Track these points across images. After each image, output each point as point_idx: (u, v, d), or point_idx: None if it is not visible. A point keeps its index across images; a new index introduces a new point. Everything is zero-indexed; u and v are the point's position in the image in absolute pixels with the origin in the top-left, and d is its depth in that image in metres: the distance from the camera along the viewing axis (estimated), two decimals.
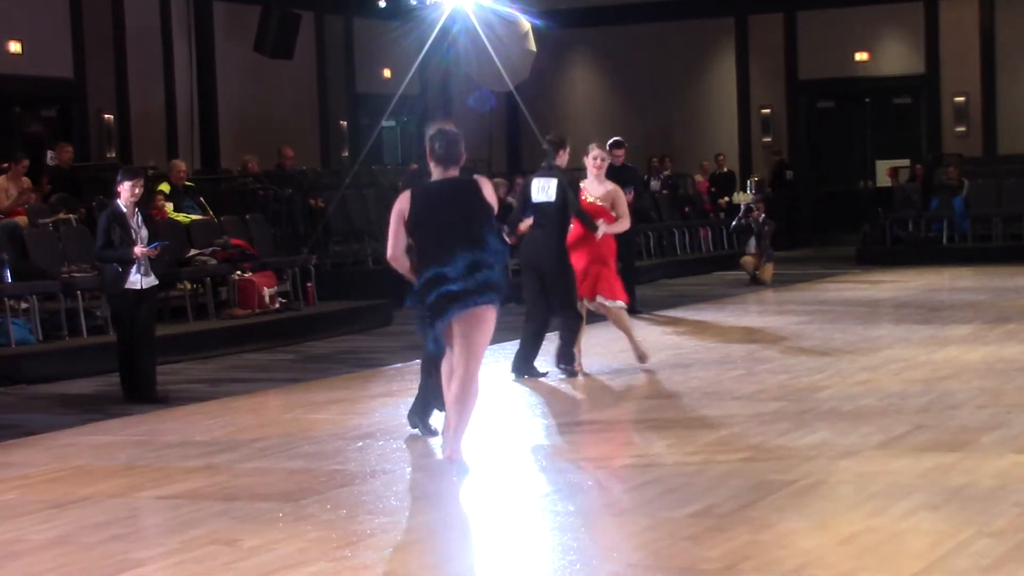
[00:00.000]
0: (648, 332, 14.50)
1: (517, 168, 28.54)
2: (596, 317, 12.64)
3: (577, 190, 12.15)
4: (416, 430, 9.59)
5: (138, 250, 11.91)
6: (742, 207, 22.78)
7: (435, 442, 9.30)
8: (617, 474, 8.17)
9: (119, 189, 11.85)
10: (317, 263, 18.23)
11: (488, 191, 8.43)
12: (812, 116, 29.92)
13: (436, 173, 8.48)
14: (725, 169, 28.46)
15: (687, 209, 26.63)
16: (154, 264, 11.93)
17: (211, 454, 9.35)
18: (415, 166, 23.09)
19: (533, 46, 23.15)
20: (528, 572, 6.42)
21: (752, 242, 21.70)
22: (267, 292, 16.69)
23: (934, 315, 15.95)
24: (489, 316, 8.29)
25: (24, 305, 14.53)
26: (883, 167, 28.60)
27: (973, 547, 6.34)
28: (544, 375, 12.06)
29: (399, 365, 13.47)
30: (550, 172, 11.89)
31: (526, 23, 23.11)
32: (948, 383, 11.03)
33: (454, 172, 8.47)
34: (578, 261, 12.04)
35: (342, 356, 14.93)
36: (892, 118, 29.32)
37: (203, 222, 17.84)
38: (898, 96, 29.28)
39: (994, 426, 9.19)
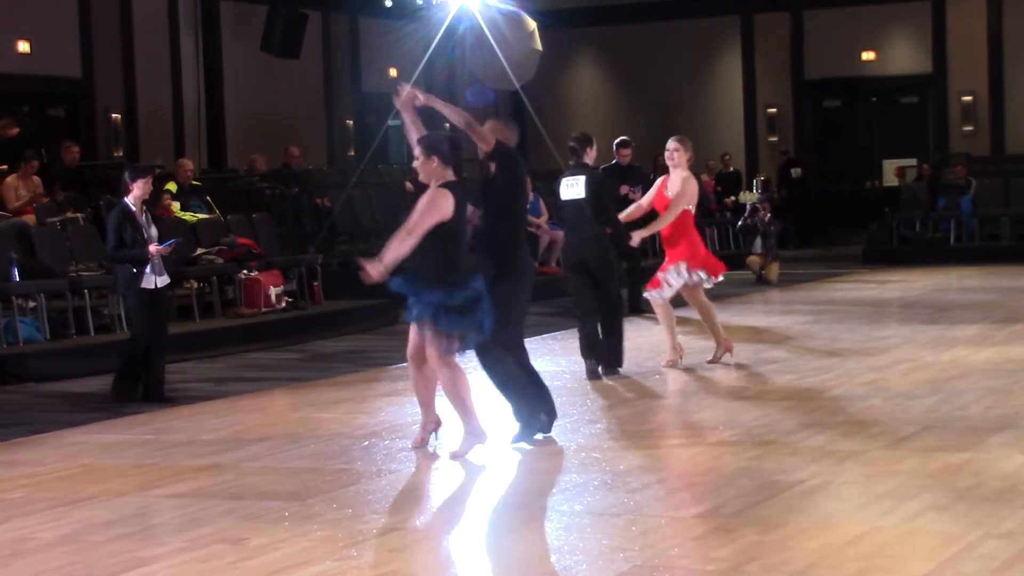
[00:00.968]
0: (653, 332, 14.48)
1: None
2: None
3: (608, 186, 12.38)
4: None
5: (153, 249, 11.89)
6: (748, 207, 22.78)
7: (443, 443, 9.30)
8: (623, 474, 8.17)
9: (129, 187, 11.73)
10: (323, 262, 18.25)
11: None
12: (818, 115, 29.91)
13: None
14: (731, 168, 28.46)
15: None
16: (166, 262, 11.91)
17: (217, 453, 9.36)
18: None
19: (539, 45, 23.12)
20: (534, 572, 6.42)
21: (758, 242, 21.69)
22: (273, 291, 16.70)
23: (941, 315, 15.94)
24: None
25: (32, 304, 14.56)
26: (890, 166, 28.60)
27: (981, 548, 6.33)
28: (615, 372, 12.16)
29: (405, 364, 13.38)
30: (577, 170, 11.99)
31: (531, 22, 23.10)
32: (956, 383, 11.02)
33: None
34: (676, 255, 12.27)
35: (348, 355, 14.94)
36: (899, 117, 29.30)
37: (209, 221, 17.86)
38: (905, 95, 29.28)
39: (1002, 427, 9.18)
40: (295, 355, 15.17)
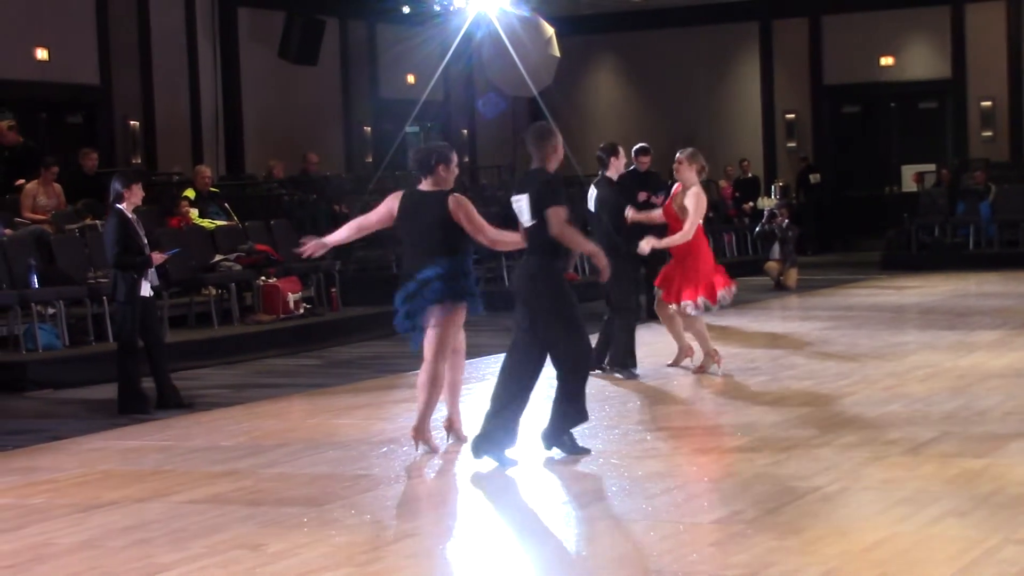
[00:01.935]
0: (671, 338, 14.48)
1: None
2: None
3: (615, 199, 12.49)
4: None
5: (156, 255, 11.90)
6: (766, 212, 22.74)
7: (465, 447, 9.31)
8: (641, 480, 8.16)
9: (125, 194, 11.62)
10: (341, 268, 18.26)
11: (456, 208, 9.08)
12: (837, 121, 29.86)
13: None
14: (749, 174, 28.41)
15: (711, 214, 26.56)
16: (158, 271, 11.89)
17: (236, 459, 9.38)
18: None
19: (557, 51, 23.14)
20: None
21: (776, 247, 21.65)
22: (291, 297, 16.72)
23: (960, 321, 15.90)
24: (434, 313, 9.09)
25: (51, 310, 14.60)
26: (909, 172, 28.52)
27: (1000, 554, 6.31)
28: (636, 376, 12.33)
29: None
30: (596, 182, 12.54)
31: (549, 28, 23.11)
32: (974, 389, 10.99)
33: (427, 184, 9.31)
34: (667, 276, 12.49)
35: (366, 361, 14.95)
36: (918, 123, 29.23)
37: (228, 228, 17.89)
38: (924, 101, 29.20)
39: (1021, 432, 9.15)
40: (313, 361, 15.18)
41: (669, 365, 12.81)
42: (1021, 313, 16.38)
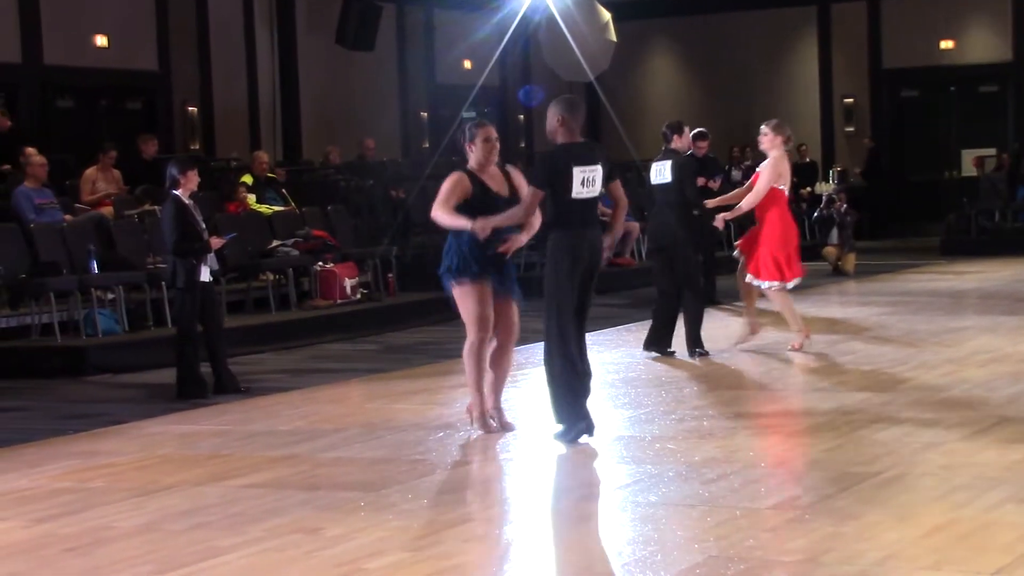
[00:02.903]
0: (729, 323, 14.44)
1: None
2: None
3: (692, 172, 12.78)
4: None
5: (215, 240, 11.96)
6: (824, 198, 22.61)
7: (517, 433, 9.32)
8: (698, 465, 8.15)
9: (181, 180, 11.66)
10: (398, 254, 18.31)
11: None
12: (896, 105, 29.64)
13: None
14: (807, 159, 28.25)
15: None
16: (224, 258, 11.91)
17: (294, 444, 9.42)
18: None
19: (613, 36, 23.08)
20: (609, 563, 6.42)
21: (834, 232, 21.54)
22: (348, 283, 16.78)
23: (1021, 306, 15.76)
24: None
25: (111, 296, 14.72)
26: (969, 156, 28.28)
27: None
28: (672, 352, 12.57)
29: None
30: (665, 155, 12.64)
31: (606, 13, 23.06)
32: None
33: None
34: (749, 242, 12.56)
35: (423, 347, 14.99)
36: (978, 107, 28.97)
37: (285, 213, 17.97)
38: (984, 84, 28.93)
39: None
40: (370, 346, 15.23)
41: (737, 345, 12.73)
42: None
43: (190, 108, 22.42)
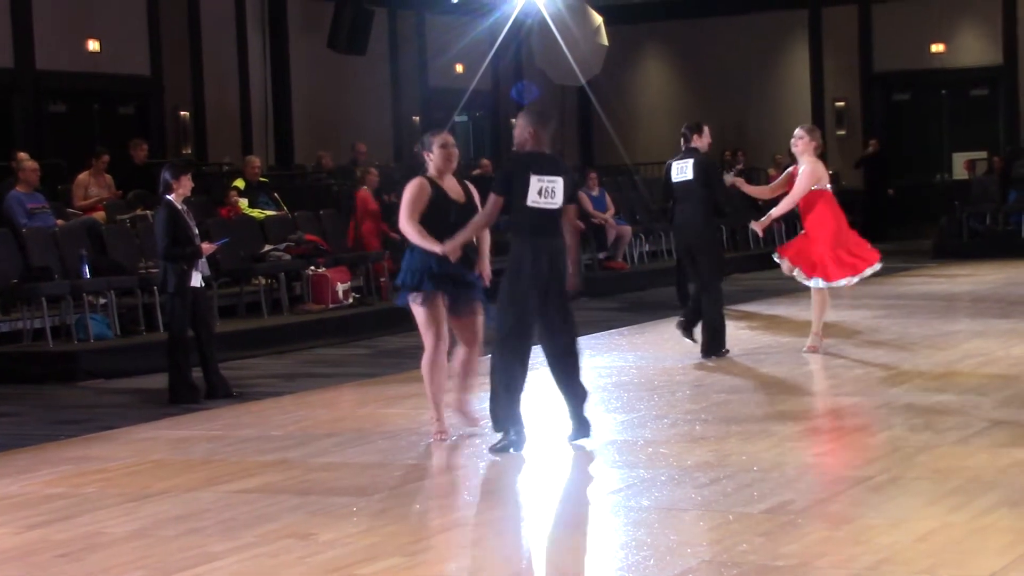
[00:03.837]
0: (729, 326, 14.43)
1: (589, 162, 28.52)
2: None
3: (718, 171, 12.97)
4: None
5: (206, 246, 11.94)
6: None
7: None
8: (690, 469, 8.15)
9: (174, 185, 11.65)
10: (390, 258, 18.29)
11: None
12: (887, 109, 29.67)
13: None
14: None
15: (761, 203, 26.44)
16: (216, 263, 11.90)
17: (286, 448, 9.41)
18: (485, 161, 23.19)
19: (605, 40, 23.11)
20: (602, 568, 6.42)
21: None
22: (340, 287, 16.78)
23: (1013, 309, 15.78)
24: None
25: (102, 300, 14.70)
26: (960, 159, 28.31)
27: None
28: (727, 352, 12.68)
29: None
30: (686, 154, 12.76)
31: (598, 17, 23.08)
32: None
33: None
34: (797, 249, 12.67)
35: (415, 351, 14.84)
36: (969, 110, 29.02)
37: (277, 218, 17.96)
38: (975, 88, 28.97)
39: None
40: (362, 351, 15.22)
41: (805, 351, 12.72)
42: None
43: (182, 113, 22.41)
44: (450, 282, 9.17)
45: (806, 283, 12.58)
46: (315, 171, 21.99)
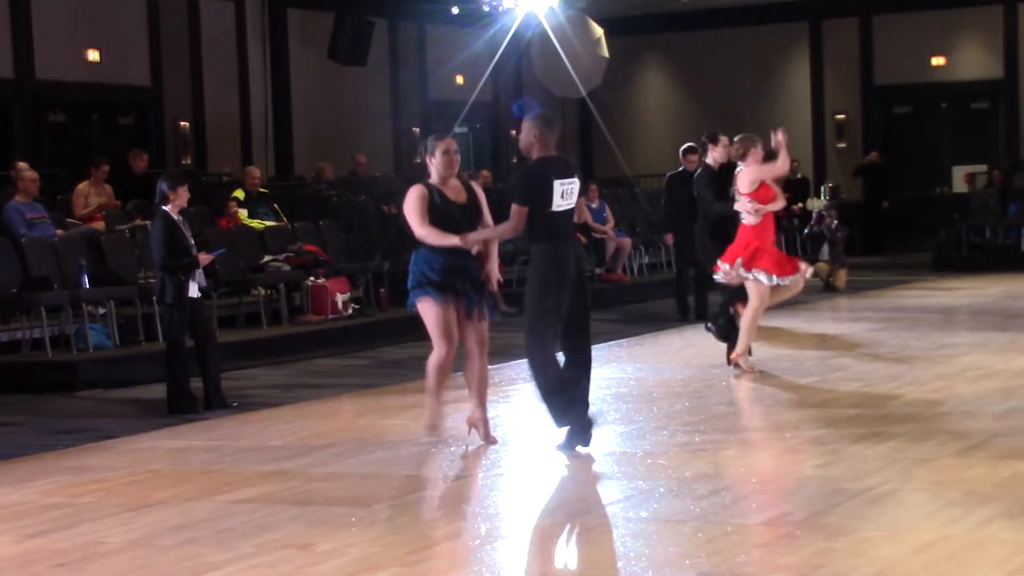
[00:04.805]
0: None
1: (590, 174, 28.52)
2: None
3: (705, 184, 13.04)
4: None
5: (203, 256, 11.95)
6: (815, 214, 22.64)
7: (509, 448, 9.31)
8: (689, 481, 8.14)
9: (170, 195, 11.68)
10: (390, 269, 18.29)
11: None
12: (888, 122, 29.69)
13: None
14: (799, 175, 28.28)
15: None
16: (215, 273, 11.91)
17: (284, 459, 9.41)
18: (486, 173, 23.20)
19: (606, 52, 23.14)
20: None
21: (825, 249, 21.56)
22: (340, 298, 16.78)
23: (1012, 322, 15.78)
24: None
25: (102, 310, 14.70)
26: (960, 173, 28.32)
27: None
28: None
29: None
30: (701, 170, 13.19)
31: (598, 29, 23.10)
32: None
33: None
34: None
35: (415, 362, 14.92)
36: (969, 123, 29.02)
37: (277, 228, 17.96)
38: (975, 101, 28.98)
39: None
40: (362, 362, 15.22)
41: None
42: None
43: (182, 123, 22.41)
44: (457, 284, 9.17)
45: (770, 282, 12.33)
46: (315, 182, 22.00)
